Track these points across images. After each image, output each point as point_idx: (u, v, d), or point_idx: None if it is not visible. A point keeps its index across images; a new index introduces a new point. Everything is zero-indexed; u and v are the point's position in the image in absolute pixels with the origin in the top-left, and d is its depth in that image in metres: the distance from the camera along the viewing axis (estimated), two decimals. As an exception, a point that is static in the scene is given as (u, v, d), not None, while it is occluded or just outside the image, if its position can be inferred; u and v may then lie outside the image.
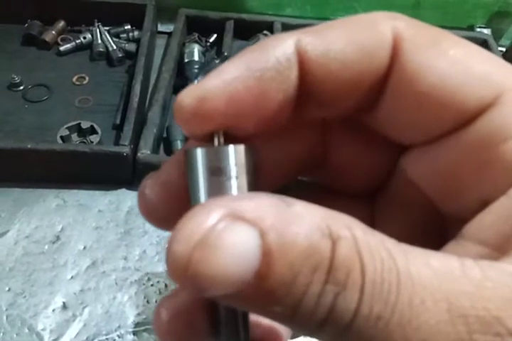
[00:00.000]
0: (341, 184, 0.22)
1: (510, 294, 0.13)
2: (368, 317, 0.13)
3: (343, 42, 0.16)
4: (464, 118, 0.16)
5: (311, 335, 0.14)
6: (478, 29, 0.88)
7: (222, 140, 0.16)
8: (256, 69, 0.16)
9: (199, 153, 0.16)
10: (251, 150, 0.16)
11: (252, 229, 0.13)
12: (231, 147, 0.16)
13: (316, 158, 0.20)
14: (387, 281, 0.13)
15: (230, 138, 0.17)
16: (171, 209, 0.18)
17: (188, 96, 0.16)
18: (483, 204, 0.16)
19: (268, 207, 0.13)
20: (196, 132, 0.17)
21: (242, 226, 0.13)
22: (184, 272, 0.13)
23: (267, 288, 0.13)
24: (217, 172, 0.16)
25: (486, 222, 0.16)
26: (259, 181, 0.17)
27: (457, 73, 0.16)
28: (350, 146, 0.20)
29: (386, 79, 0.17)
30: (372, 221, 0.21)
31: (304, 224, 0.13)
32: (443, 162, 0.17)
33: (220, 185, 0.16)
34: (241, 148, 0.16)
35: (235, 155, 0.16)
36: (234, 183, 0.16)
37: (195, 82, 0.76)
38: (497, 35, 0.90)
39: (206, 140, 0.17)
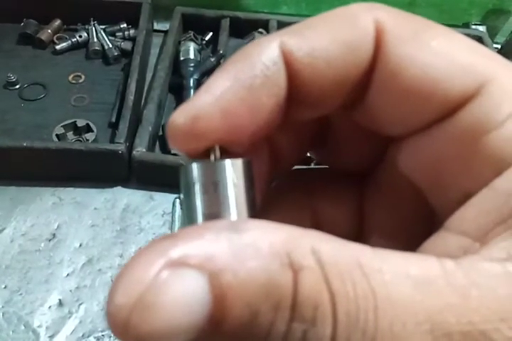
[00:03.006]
0: (337, 163, 0.22)
1: (495, 302, 0.12)
2: None
3: (325, 40, 0.16)
4: (447, 109, 0.16)
5: None
6: (474, 26, 0.89)
7: (218, 154, 0.16)
8: (245, 79, 0.15)
9: (195, 168, 0.16)
10: (248, 163, 0.16)
11: (198, 275, 0.12)
12: (228, 161, 0.16)
13: (316, 140, 0.21)
14: (362, 308, 0.12)
15: (225, 152, 0.16)
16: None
17: (181, 116, 0.15)
18: (467, 196, 0.16)
19: (217, 242, 0.12)
20: (191, 151, 0.16)
21: (187, 273, 0.12)
22: (125, 333, 0.12)
23: (226, 332, 0.12)
24: (214, 188, 0.15)
25: (468, 214, 0.16)
26: (257, 193, 0.17)
27: (439, 64, 0.15)
28: (344, 133, 0.21)
29: (371, 74, 0.16)
30: (360, 209, 0.22)
31: (260, 255, 0.12)
32: (428, 153, 0.17)
33: (218, 201, 0.15)
34: (238, 162, 0.16)
35: (233, 170, 0.16)
36: (232, 198, 0.15)
37: (190, 80, 0.77)
38: (492, 33, 0.91)
39: (201, 156, 0.16)
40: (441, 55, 0.16)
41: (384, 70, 0.16)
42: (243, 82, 0.15)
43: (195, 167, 0.16)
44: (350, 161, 0.22)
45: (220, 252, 0.12)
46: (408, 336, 0.12)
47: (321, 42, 0.16)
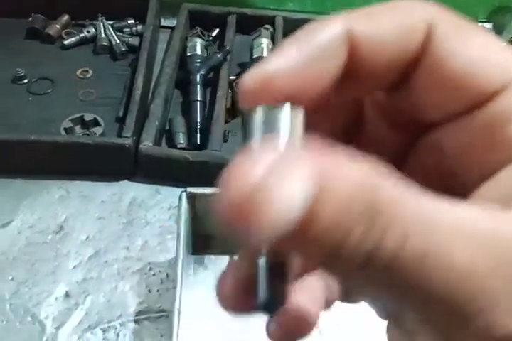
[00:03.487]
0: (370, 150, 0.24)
1: None
2: (408, 258, 0.14)
3: (386, 25, 0.18)
4: (478, 100, 0.18)
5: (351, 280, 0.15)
6: (480, 24, 0.89)
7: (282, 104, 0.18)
8: (309, 50, 0.17)
9: (258, 111, 0.17)
10: (304, 113, 0.17)
11: (302, 179, 0.13)
12: (288, 105, 0.17)
13: (350, 128, 0.23)
14: (425, 226, 0.14)
15: None
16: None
17: (252, 76, 0.17)
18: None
19: (314, 156, 0.14)
20: (258, 103, 0.18)
21: (293, 175, 0.13)
22: (235, 221, 0.13)
23: (313, 234, 0.14)
24: (273, 131, 0.17)
25: (490, 187, 0.18)
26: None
27: (476, 60, 0.18)
28: (378, 119, 0.22)
29: (417, 62, 0.18)
30: None
31: (350, 174, 0.14)
32: (459, 139, 0.19)
33: (275, 144, 0.16)
34: (298, 109, 0.17)
35: (293, 115, 0.17)
36: (290, 142, 0.16)
37: (197, 75, 0.77)
38: (498, 30, 0.91)
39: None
40: (478, 52, 0.18)
41: (430, 60, 0.18)
42: (307, 54, 0.17)
43: (258, 110, 0.17)
44: (378, 148, 0.23)
45: (317, 164, 0.14)
46: (462, 253, 0.14)
47: (382, 26, 0.18)
